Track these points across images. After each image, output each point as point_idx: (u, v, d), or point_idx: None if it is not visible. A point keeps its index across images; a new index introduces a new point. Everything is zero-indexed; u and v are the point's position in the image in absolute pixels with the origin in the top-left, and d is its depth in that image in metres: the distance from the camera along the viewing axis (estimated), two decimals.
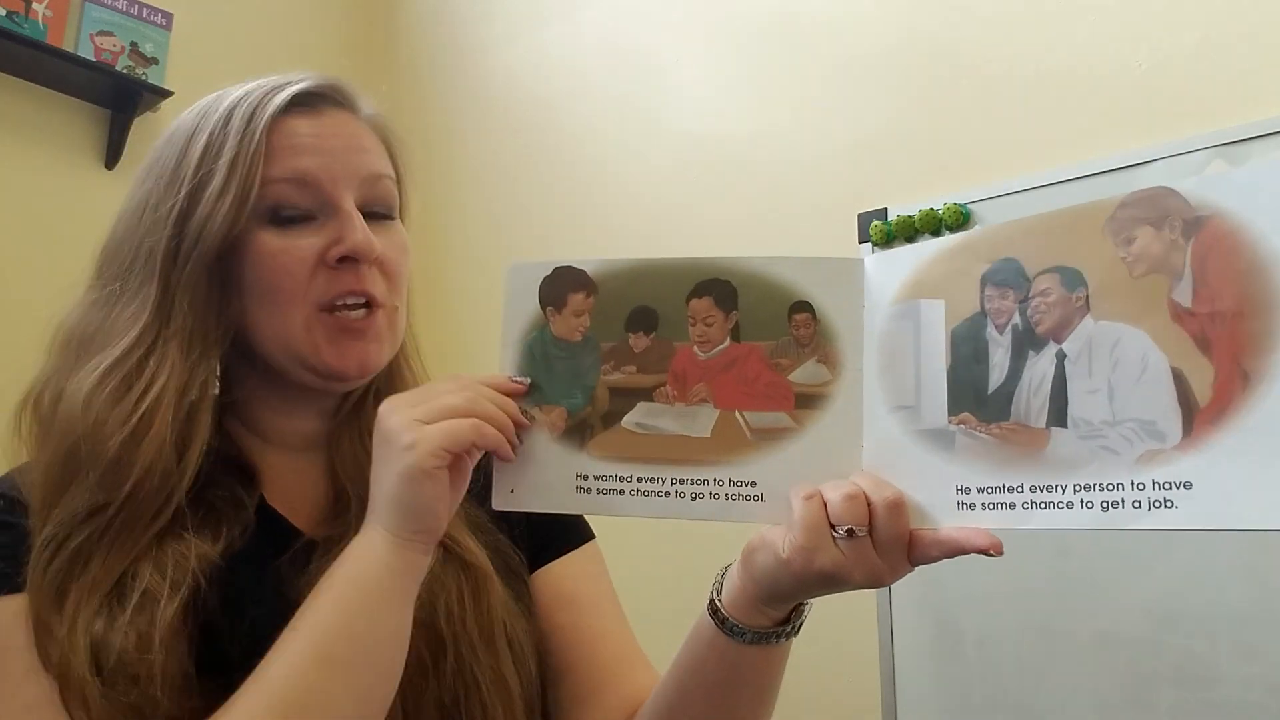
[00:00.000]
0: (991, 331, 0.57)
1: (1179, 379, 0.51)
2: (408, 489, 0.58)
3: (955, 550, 0.54)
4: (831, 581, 0.56)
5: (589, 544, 0.82)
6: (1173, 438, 0.50)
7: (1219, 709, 1.32)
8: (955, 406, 0.57)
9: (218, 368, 0.72)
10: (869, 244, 1.77)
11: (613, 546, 0.85)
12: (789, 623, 0.62)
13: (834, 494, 0.56)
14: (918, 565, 0.57)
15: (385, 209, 0.72)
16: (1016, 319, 0.56)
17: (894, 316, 0.60)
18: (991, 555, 0.52)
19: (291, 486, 0.72)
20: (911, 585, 0.56)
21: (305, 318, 0.67)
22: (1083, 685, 1.44)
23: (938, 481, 0.57)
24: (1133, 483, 0.51)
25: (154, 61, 2.28)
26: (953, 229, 1.66)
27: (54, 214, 2.16)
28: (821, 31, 1.95)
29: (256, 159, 0.66)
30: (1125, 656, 1.40)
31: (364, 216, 0.70)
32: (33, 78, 2.17)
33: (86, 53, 2.18)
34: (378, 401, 0.63)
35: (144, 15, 2.29)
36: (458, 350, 2.03)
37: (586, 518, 0.83)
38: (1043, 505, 0.53)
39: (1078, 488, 0.52)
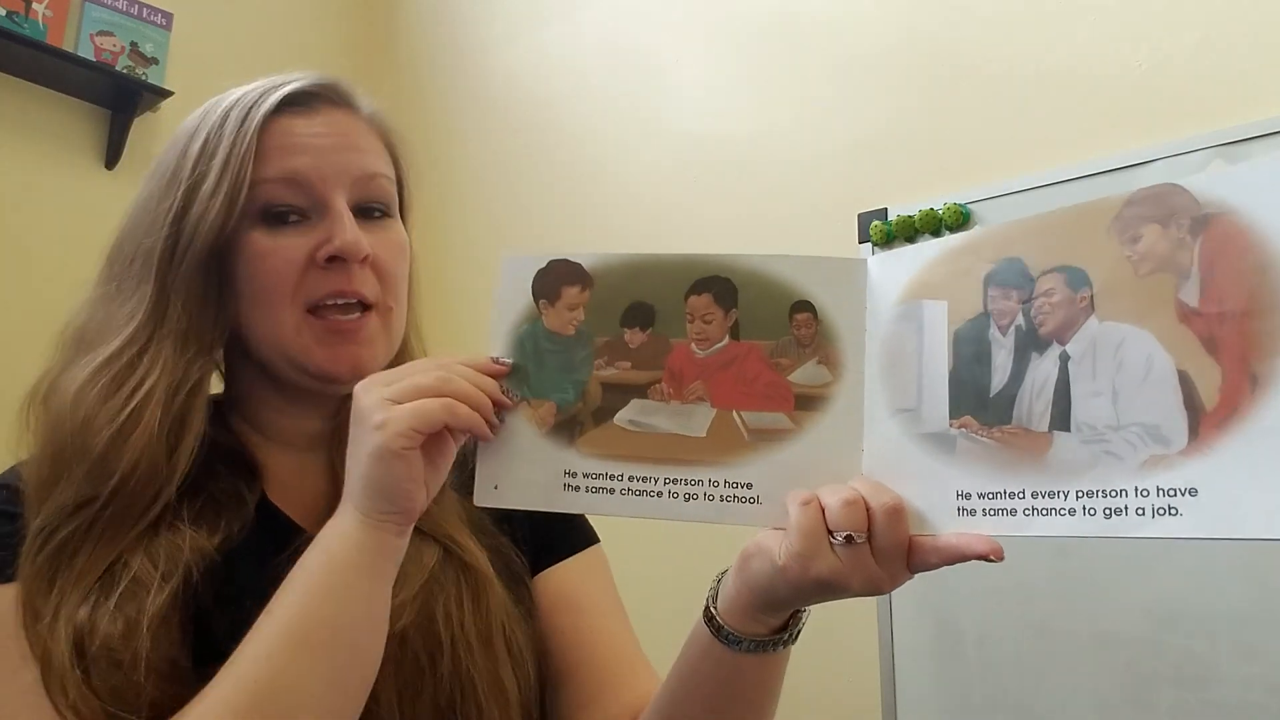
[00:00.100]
0: (994, 333, 0.56)
1: (1185, 381, 0.49)
2: (376, 469, 0.58)
3: (955, 558, 0.53)
4: (829, 589, 0.55)
5: (593, 548, 0.81)
6: (1178, 442, 0.49)
7: (1219, 709, 1.32)
8: (957, 409, 0.56)
9: (218, 367, 0.72)
10: (869, 244, 1.77)
11: (611, 546, 0.84)
12: (786, 630, 0.61)
13: (832, 499, 0.54)
14: (917, 573, 0.55)
15: (381, 208, 0.72)
16: (1020, 320, 0.55)
17: (896, 318, 0.59)
18: (992, 561, 0.51)
19: (295, 484, 0.73)
20: (911, 585, 0.55)
21: (296, 319, 0.68)
22: (1083, 685, 1.44)
23: (938, 487, 0.55)
24: (1136, 489, 0.49)
25: (154, 61, 2.28)
26: (953, 229, 1.66)
27: (54, 214, 2.16)
28: (821, 31, 1.95)
29: (247, 159, 0.67)
30: (1125, 656, 1.40)
31: (359, 216, 0.70)
32: (33, 78, 2.17)
33: (86, 53, 2.18)
34: None
35: (144, 15, 2.29)
36: (458, 350, 2.02)
37: (591, 522, 0.82)
38: (1044, 512, 0.52)
39: (1080, 494, 0.51)
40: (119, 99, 2.25)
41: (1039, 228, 0.56)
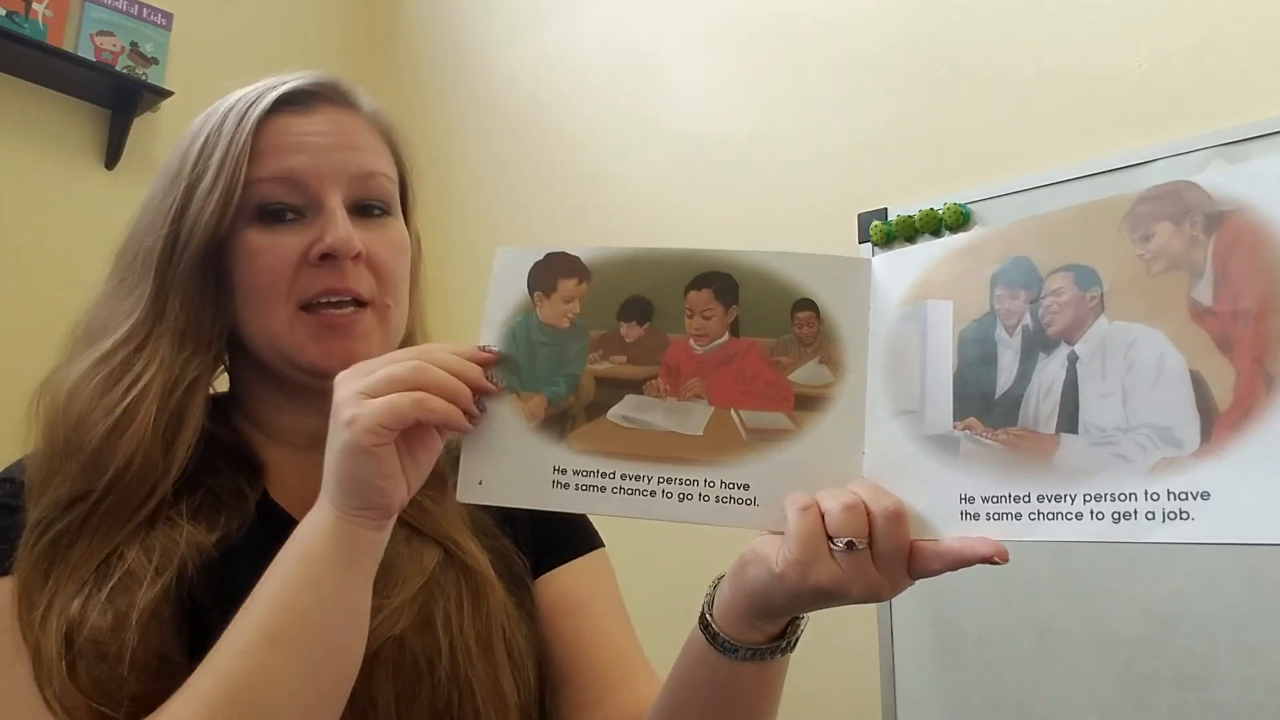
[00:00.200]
0: (1000, 333, 0.54)
1: (1198, 382, 0.48)
2: (346, 465, 0.57)
3: (958, 562, 0.51)
4: (828, 597, 0.53)
5: (597, 552, 0.81)
6: (1190, 444, 0.47)
7: (1219, 709, 1.32)
8: (961, 411, 0.55)
9: (217, 365, 0.72)
10: (869, 244, 1.77)
11: (613, 547, 0.84)
12: (784, 638, 0.59)
13: (832, 503, 0.53)
14: (917, 579, 0.54)
15: (380, 206, 0.72)
16: (1027, 319, 0.54)
17: (901, 318, 0.58)
18: (996, 563, 0.50)
19: (296, 483, 0.73)
20: (912, 585, 0.54)
21: (289, 315, 0.68)
22: (1083, 685, 1.44)
23: (940, 490, 0.54)
24: (1146, 493, 0.48)
25: (154, 61, 2.28)
26: (953, 229, 1.66)
27: (54, 214, 2.16)
28: (821, 31, 1.95)
29: (242, 158, 0.67)
30: (1125, 656, 1.40)
31: (357, 214, 0.70)
32: (33, 78, 2.17)
33: (86, 53, 2.18)
34: None
35: (144, 15, 2.29)
36: None
37: (611, 531, 0.81)
38: (1050, 516, 0.51)
39: (1088, 497, 0.49)
40: (119, 99, 2.25)
41: (1046, 226, 0.54)
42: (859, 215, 1.80)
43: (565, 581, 0.77)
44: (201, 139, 0.69)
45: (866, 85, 1.87)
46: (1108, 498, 0.49)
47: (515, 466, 0.60)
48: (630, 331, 0.61)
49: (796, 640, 0.60)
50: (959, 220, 1.66)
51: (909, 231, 1.72)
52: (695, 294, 0.61)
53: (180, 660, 0.60)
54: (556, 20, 2.45)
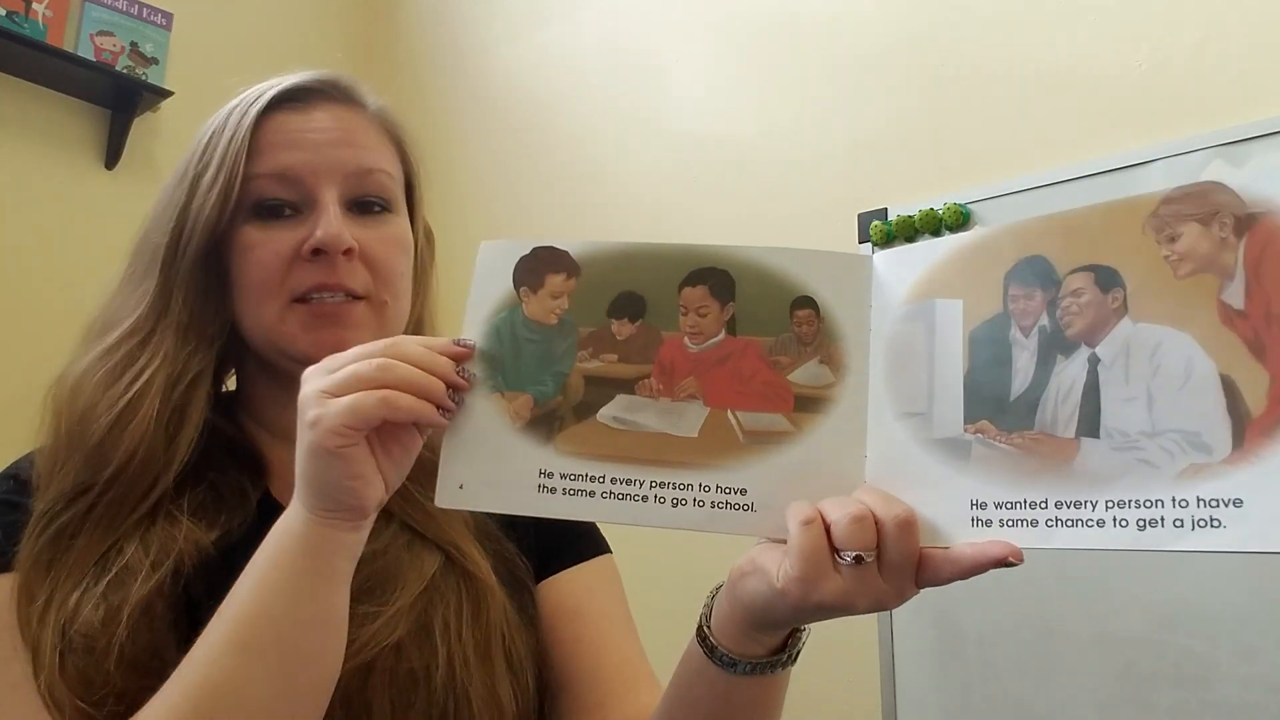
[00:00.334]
0: (1015, 334, 0.52)
1: (1229, 387, 0.46)
2: (312, 468, 0.55)
3: (971, 569, 0.49)
4: (832, 611, 0.51)
5: (603, 557, 0.79)
6: (1221, 450, 0.46)
7: (1219, 709, 1.32)
8: (972, 414, 0.52)
9: (223, 361, 0.73)
10: (869, 244, 1.77)
11: (620, 551, 0.82)
12: (785, 650, 0.57)
13: (838, 514, 0.50)
14: (925, 587, 0.51)
15: (381, 203, 0.72)
16: (1044, 320, 0.52)
17: (905, 317, 0.55)
18: (1012, 564, 0.47)
19: None
20: None
21: (280, 308, 0.68)
22: (1083, 685, 1.44)
23: (950, 495, 0.51)
24: (1174, 499, 0.46)
25: (154, 61, 2.28)
26: (953, 229, 1.66)
27: (54, 214, 2.16)
28: (821, 31, 1.95)
29: (240, 155, 0.67)
30: (1125, 656, 1.40)
31: (357, 211, 0.70)
32: (33, 78, 2.17)
33: (86, 53, 2.18)
34: None
35: (144, 15, 2.29)
36: None
37: (610, 533, 0.79)
38: (1069, 523, 0.48)
39: (1110, 504, 0.47)
40: (119, 99, 2.25)
41: (1064, 225, 0.52)
42: (859, 215, 1.80)
43: (568, 586, 0.76)
44: (207, 137, 0.70)
45: (866, 85, 1.87)
46: (1132, 504, 0.47)
47: (498, 470, 0.57)
48: (622, 329, 0.58)
49: (798, 653, 0.58)
50: (959, 220, 1.66)
51: (909, 231, 1.72)
52: (690, 290, 0.58)
53: (172, 658, 0.59)
54: (556, 20, 2.45)
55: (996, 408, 0.52)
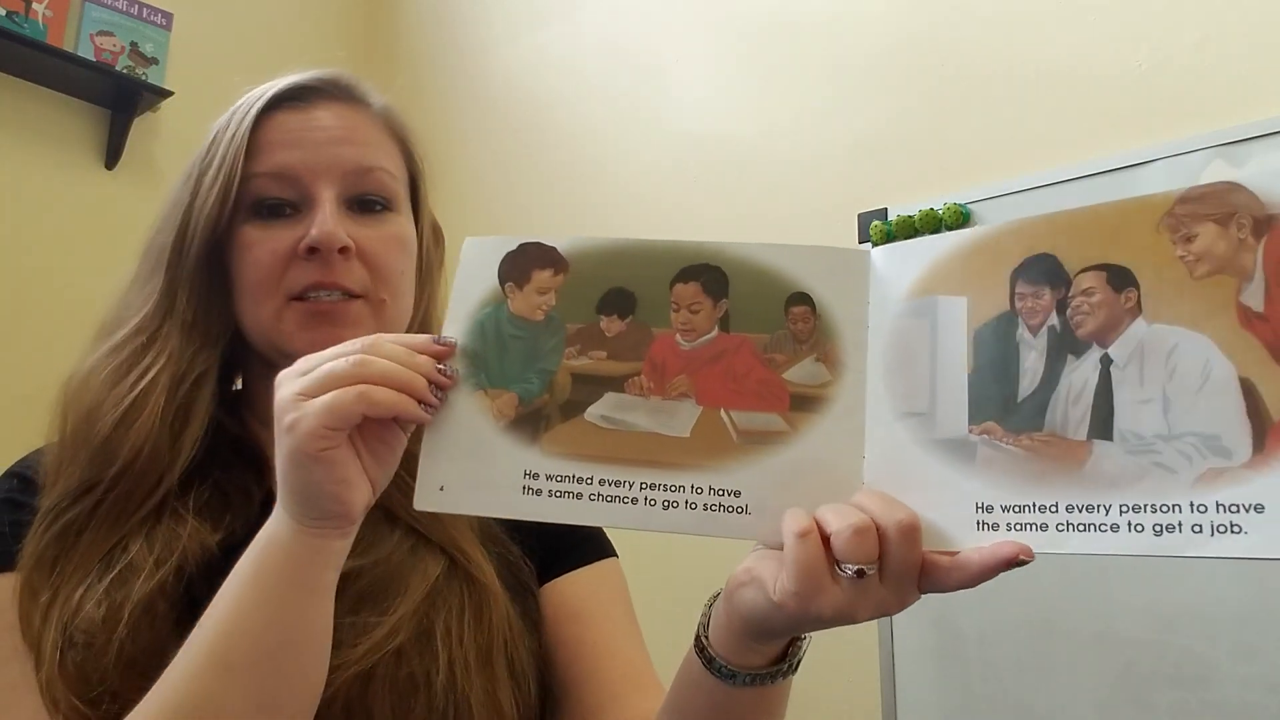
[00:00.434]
0: (1023, 333, 0.51)
1: (1248, 390, 0.45)
2: (294, 475, 0.53)
3: (978, 576, 0.47)
4: (832, 623, 0.49)
5: (608, 560, 0.78)
6: (1241, 454, 0.44)
7: (1219, 709, 1.32)
8: (978, 414, 0.51)
9: (217, 360, 0.72)
10: (869, 244, 1.77)
11: (627, 555, 0.81)
12: (785, 660, 0.55)
13: (839, 524, 0.47)
14: (927, 593, 0.49)
15: (380, 202, 0.72)
16: (1054, 320, 0.50)
17: (906, 314, 0.54)
18: (1024, 562, 0.46)
19: None
20: None
21: (277, 307, 0.68)
22: (1083, 685, 1.44)
23: (954, 498, 0.50)
24: (1192, 504, 0.45)
25: (154, 61, 2.28)
26: (953, 229, 1.66)
27: (54, 214, 2.16)
28: (821, 31, 1.95)
29: (239, 154, 0.68)
30: (1125, 656, 1.40)
31: (357, 210, 0.70)
32: (33, 78, 2.17)
33: (86, 53, 2.18)
34: None
35: (144, 15, 2.29)
36: None
37: (610, 535, 0.79)
38: (1081, 527, 0.47)
39: (1124, 508, 0.46)
40: (119, 99, 2.25)
41: (1073, 223, 0.51)
42: (859, 215, 1.80)
43: (571, 589, 0.75)
44: (211, 136, 0.71)
45: (866, 85, 1.87)
46: (1148, 509, 0.46)
47: (482, 471, 0.55)
48: (611, 325, 0.56)
49: (799, 662, 0.56)
50: (959, 220, 1.66)
51: (909, 232, 1.72)
52: (682, 287, 0.56)
53: (172, 659, 0.59)
54: (556, 20, 2.45)
55: (1003, 408, 0.50)
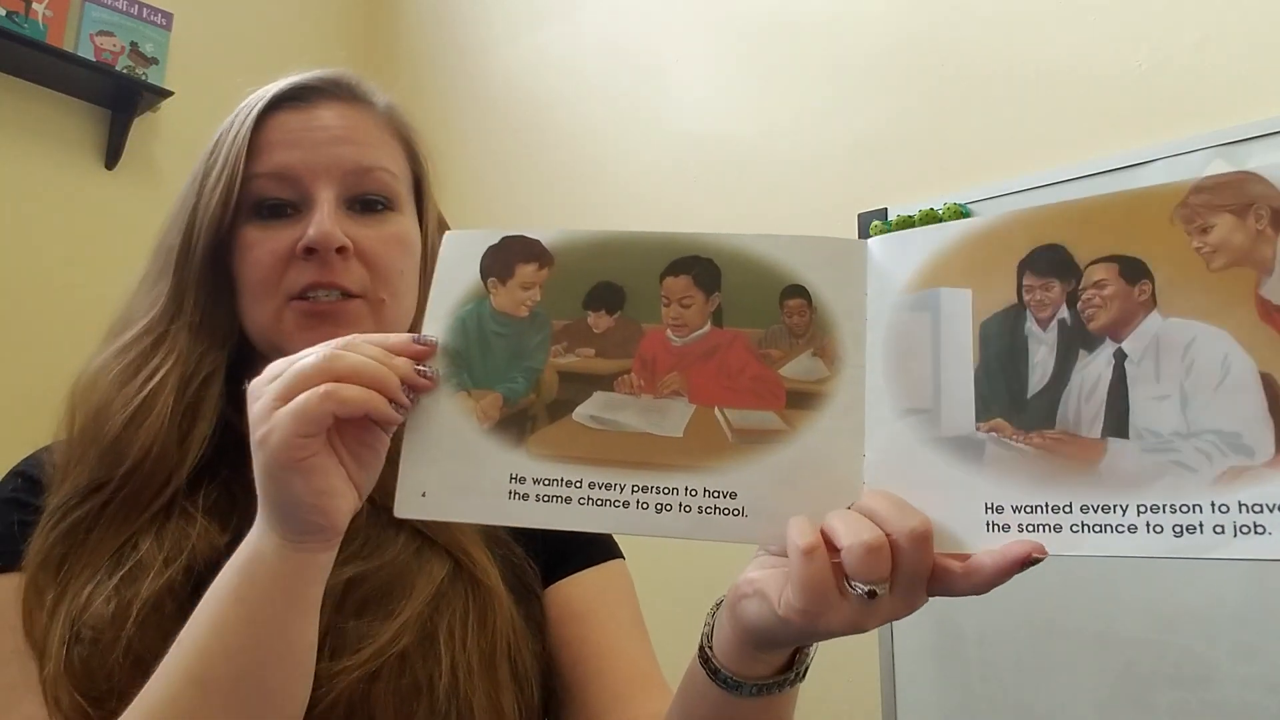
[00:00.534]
0: (1032, 326, 0.49)
1: (1270, 385, 0.43)
2: (273, 489, 0.51)
3: (991, 580, 0.45)
4: (839, 635, 0.47)
5: (614, 562, 0.77)
6: (1263, 452, 0.43)
7: (1219, 709, 1.32)
8: (985, 411, 0.49)
9: (224, 360, 0.72)
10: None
11: (634, 556, 0.80)
12: (792, 669, 0.53)
13: (851, 539, 0.45)
14: (934, 597, 0.47)
15: (380, 200, 0.72)
16: (1064, 313, 0.48)
17: (908, 306, 0.52)
18: (1037, 560, 0.44)
19: None
20: None
21: (277, 307, 0.68)
22: (1083, 685, 1.44)
23: (961, 498, 0.48)
24: (1213, 504, 0.43)
25: (154, 61, 2.28)
26: None
27: (54, 214, 2.16)
28: (821, 31, 1.95)
29: (240, 155, 0.68)
30: (1125, 656, 1.40)
31: (358, 209, 0.70)
32: (33, 78, 2.17)
33: (86, 53, 2.18)
34: None
35: (144, 15, 2.29)
36: None
37: (616, 537, 0.78)
38: (1097, 528, 0.45)
39: (1143, 509, 0.45)
40: (119, 99, 2.25)
41: (1082, 213, 0.49)
42: (859, 215, 1.80)
43: (576, 591, 0.74)
44: (216, 137, 0.71)
45: (866, 85, 1.87)
46: (1167, 509, 0.44)
47: (465, 475, 0.52)
48: (599, 321, 0.54)
49: (805, 670, 0.54)
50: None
51: None
52: (672, 280, 0.54)
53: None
54: (556, 20, 2.45)
55: (1012, 405, 0.48)
